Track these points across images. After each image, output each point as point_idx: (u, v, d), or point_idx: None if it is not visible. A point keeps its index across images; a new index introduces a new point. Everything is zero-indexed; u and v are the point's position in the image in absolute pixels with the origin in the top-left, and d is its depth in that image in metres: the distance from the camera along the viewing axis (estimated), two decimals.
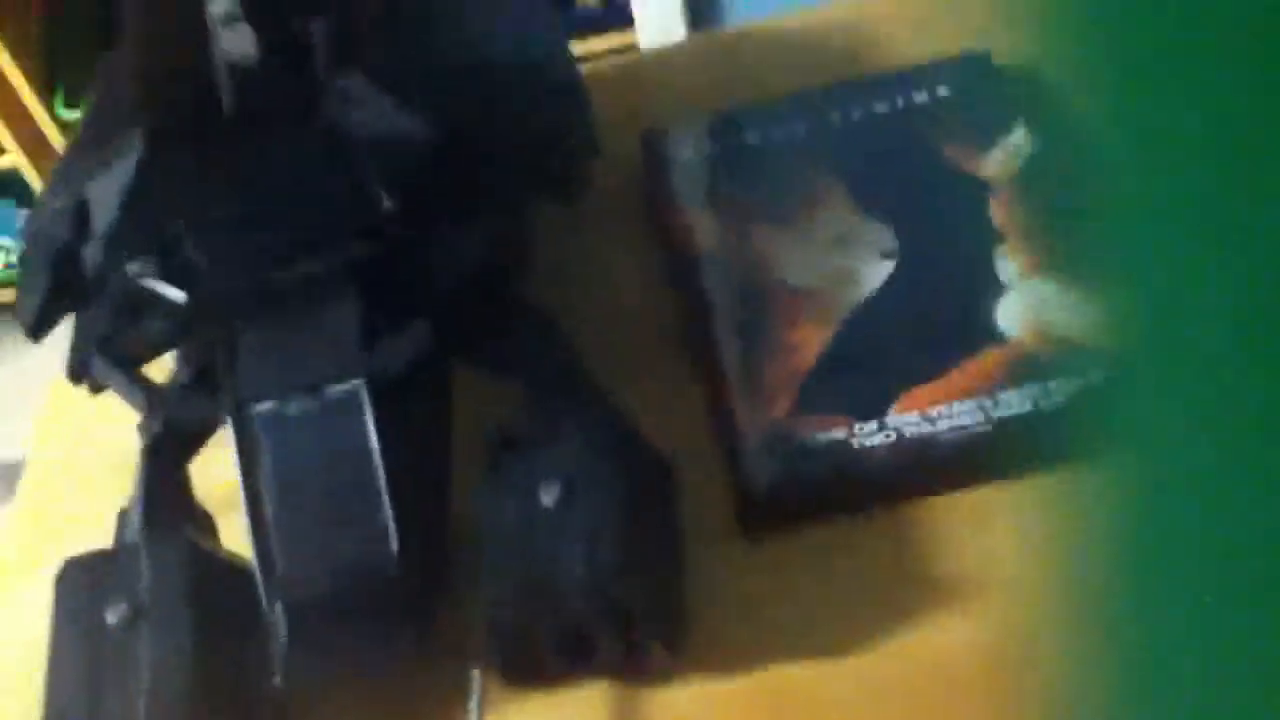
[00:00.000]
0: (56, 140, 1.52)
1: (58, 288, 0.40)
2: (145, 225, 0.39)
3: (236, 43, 0.38)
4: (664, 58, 0.60)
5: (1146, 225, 0.17)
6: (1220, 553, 0.17)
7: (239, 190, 0.39)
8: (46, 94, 1.48)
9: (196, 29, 0.40)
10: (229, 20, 0.38)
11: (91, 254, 0.40)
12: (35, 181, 1.56)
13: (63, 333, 0.44)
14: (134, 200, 0.39)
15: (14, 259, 1.71)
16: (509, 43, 0.43)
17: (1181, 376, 0.17)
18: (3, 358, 1.73)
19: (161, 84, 0.42)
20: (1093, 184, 0.18)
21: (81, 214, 0.40)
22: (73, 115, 1.49)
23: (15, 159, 1.53)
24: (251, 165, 0.39)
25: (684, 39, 1.12)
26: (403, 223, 0.38)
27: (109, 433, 0.49)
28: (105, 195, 0.40)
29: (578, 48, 1.31)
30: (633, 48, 1.30)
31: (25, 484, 0.50)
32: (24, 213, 1.71)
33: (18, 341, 1.74)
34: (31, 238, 0.42)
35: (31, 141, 1.52)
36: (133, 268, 0.39)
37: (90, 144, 0.42)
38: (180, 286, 0.38)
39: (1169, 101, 0.15)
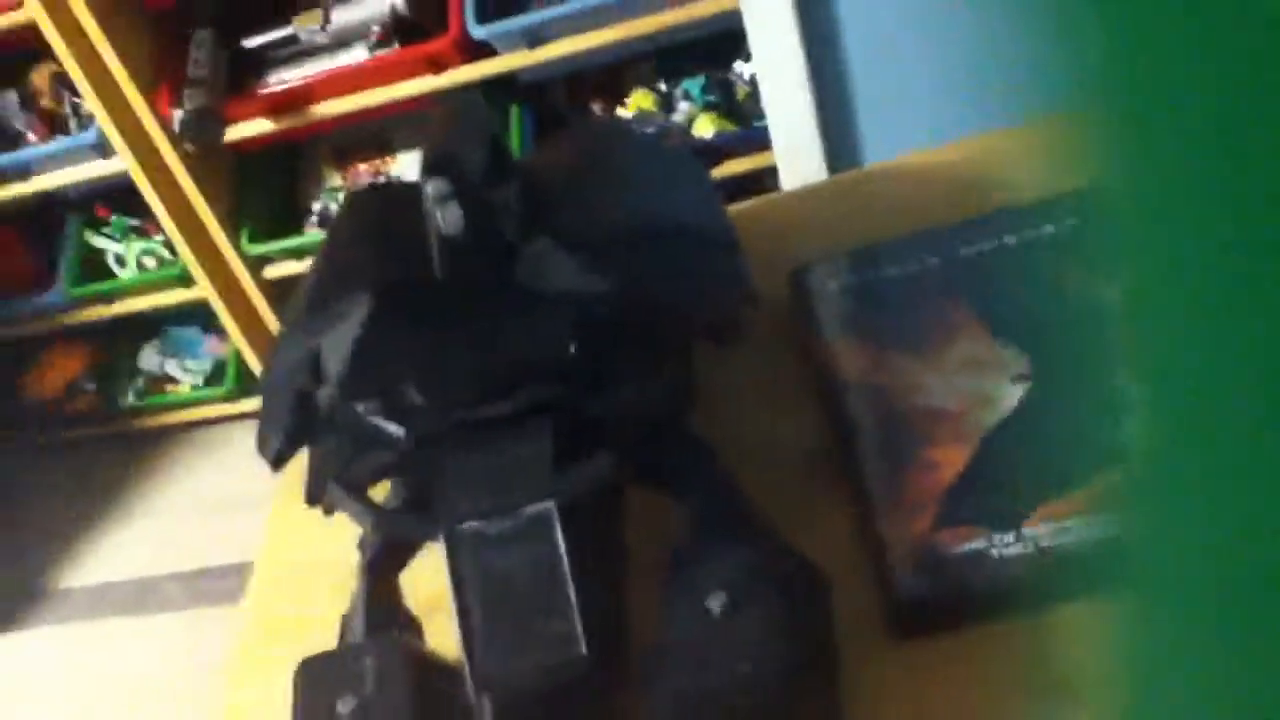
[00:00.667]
0: (241, 274, 1.67)
1: (298, 426, 0.47)
2: (371, 372, 0.46)
3: (448, 218, 0.45)
4: (806, 197, 0.65)
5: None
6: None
7: (448, 341, 0.46)
8: (233, 232, 1.63)
9: (411, 207, 0.48)
10: (441, 200, 0.45)
11: (326, 396, 0.47)
12: (221, 311, 1.71)
13: (240, 456, 0.50)
14: (362, 349, 0.46)
15: (200, 380, 1.86)
16: (674, 208, 0.50)
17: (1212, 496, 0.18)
18: (186, 471, 1.88)
19: (383, 252, 0.50)
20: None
21: (316, 363, 0.48)
22: (257, 250, 1.63)
23: (205, 290, 1.69)
24: (459, 321, 0.46)
25: (824, 179, 1.18)
26: (587, 367, 0.44)
27: (325, 547, 0.56)
28: (338, 346, 0.47)
29: (718, 171, 1.39)
30: (770, 170, 1.36)
31: (252, 594, 0.57)
32: (208, 338, 1.87)
33: (206, 452, 1.88)
34: (271, 383, 0.50)
35: (219, 275, 1.67)
36: (361, 408, 0.46)
37: (318, 303, 0.49)
38: (400, 424, 0.45)
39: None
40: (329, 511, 0.46)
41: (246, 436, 1.87)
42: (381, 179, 1.62)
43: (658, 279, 0.46)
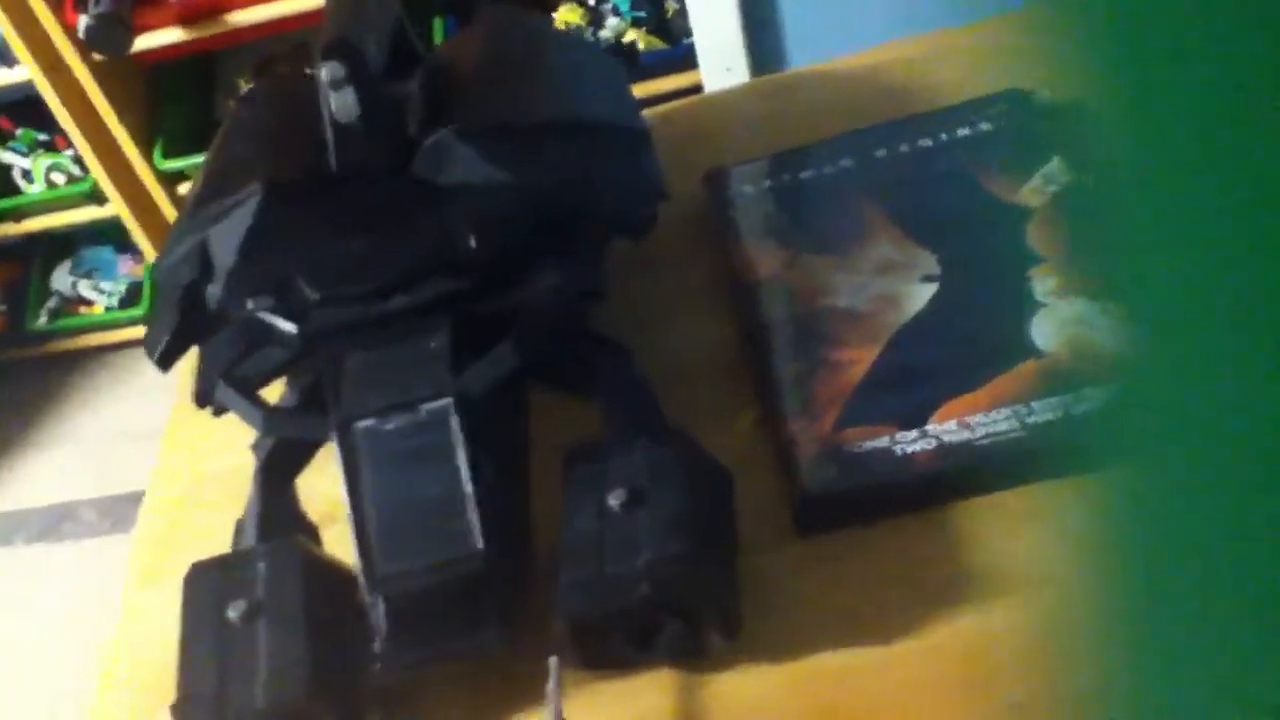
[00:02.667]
0: (156, 191, 1.61)
1: (184, 323, 0.45)
2: (262, 266, 0.44)
3: (343, 105, 0.43)
4: (726, 100, 0.64)
5: (1157, 238, 0.17)
6: (1224, 559, 0.18)
7: (343, 235, 0.44)
8: (147, 147, 1.57)
9: (308, 97, 0.45)
10: (336, 85, 0.43)
11: (215, 291, 0.45)
12: (135, 230, 1.65)
13: (159, 380, 0.49)
14: (253, 244, 0.44)
15: (115, 302, 1.80)
16: (585, 101, 0.48)
17: (1189, 387, 0.18)
18: (103, 396, 1.83)
19: (276, 144, 0.48)
20: (1110, 200, 0.19)
21: (205, 256, 0.46)
22: (171, 166, 1.57)
23: (117, 208, 1.63)
24: (355, 214, 0.44)
25: (745, 82, 1.16)
26: (488, 261, 0.42)
27: (223, 460, 0.54)
28: (227, 238, 0.45)
29: (645, 89, 1.36)
30: (697, 88, 1.34)
31: (149, 503, 0.55)
32: (124, 258, 1.81)
33: (120, 376, 1.83)
34: (160, 277, 0.48)
35: (132, 192, 1.61)
36: (251, 304, 0.44)
37: (210, 197, 0.47)
38: (293, 320, 0.43)
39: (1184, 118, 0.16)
40: (219, 412, 0.45)
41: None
42: None
43: (566, 172, 0.45)
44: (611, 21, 1.42)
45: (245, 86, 1.61)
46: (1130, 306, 0.19)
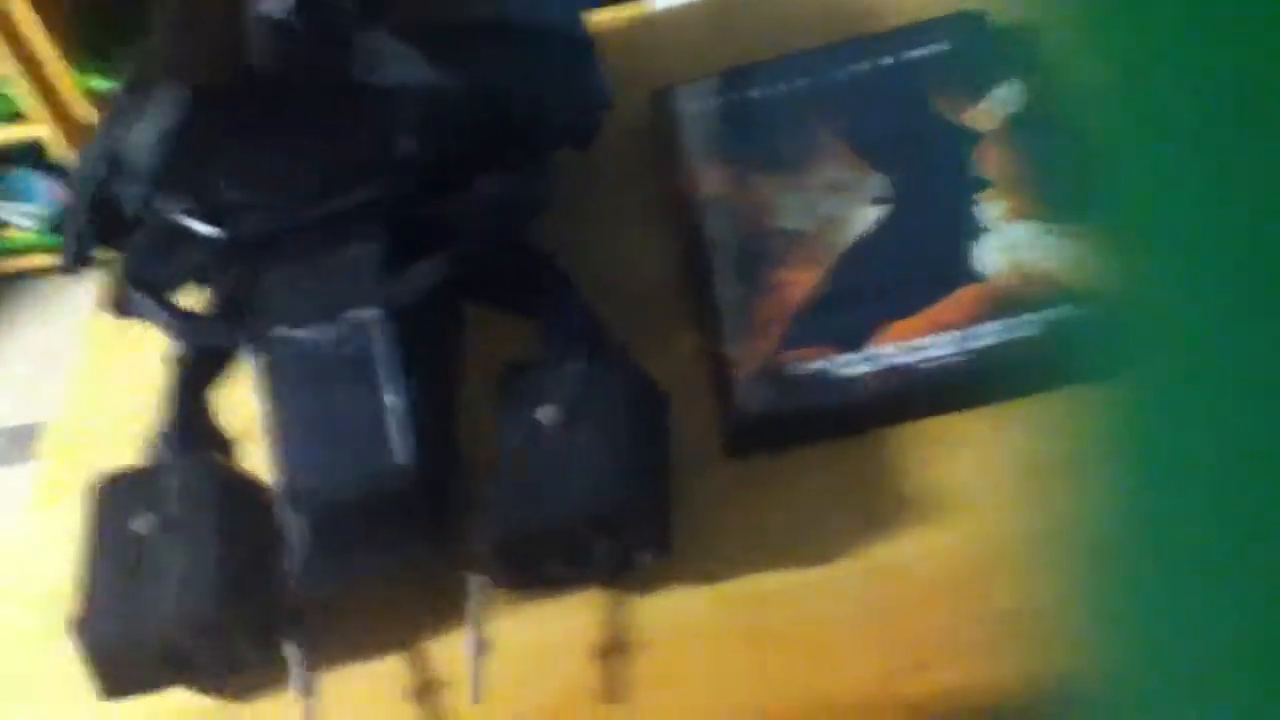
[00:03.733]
0: (83, 111, 1.55)
1: (94, 222, 0.43)
2: (182, 168, 0.42)
3: (273, 1, 0.41)
4: (674, 17, 0.62)
5: (1140, 168, 0.17)
6: (1216, 480, 0.17)
7: (271, 137, 0.42)
8: (74, 65, 1.51)
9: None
10: None
11: (130, 192, 0.42)
12: (60, 151, 1.59)
13: (84, 308, 0.46)
14: (172, 143, 0.42)
15: (41, 226, 1.74)
16: (527, 5, 0.46)
17: (1178, 312, 0.17)
18: (27, 322, 1.77)
19: (200, 43, 0.45)
20: (1083, 130, 0.19)
21: (119, 156, 0.43)
22: (100, 86, 1.51)
23: (41, 129, 1.56)
24: (284, 115, 0.42)
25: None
26: (424, 167, 0.40)
27: (142, 368, 0.52)
28: (144, 138, 0.42)
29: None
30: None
31: (55, 426, 0.53)
32: (49, 182, 1.74)
33: (50, 302, 1.78)
34: (75, 179, 0.45)
35: (58, 112, 1.55)
36: (169, 206, 0.41)
37: (133, 93, 0.44)
38: (215, 224, 0.40)
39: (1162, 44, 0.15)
40: (122, 312, 0.42)
41: (92, 287, 1.77)
42: None
43: (507, 76, 0.43)
44: None
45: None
46: (1113, 224, 0.19)
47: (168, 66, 0.45)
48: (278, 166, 0.42)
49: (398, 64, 0.42)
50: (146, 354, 0.47)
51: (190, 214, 0.42)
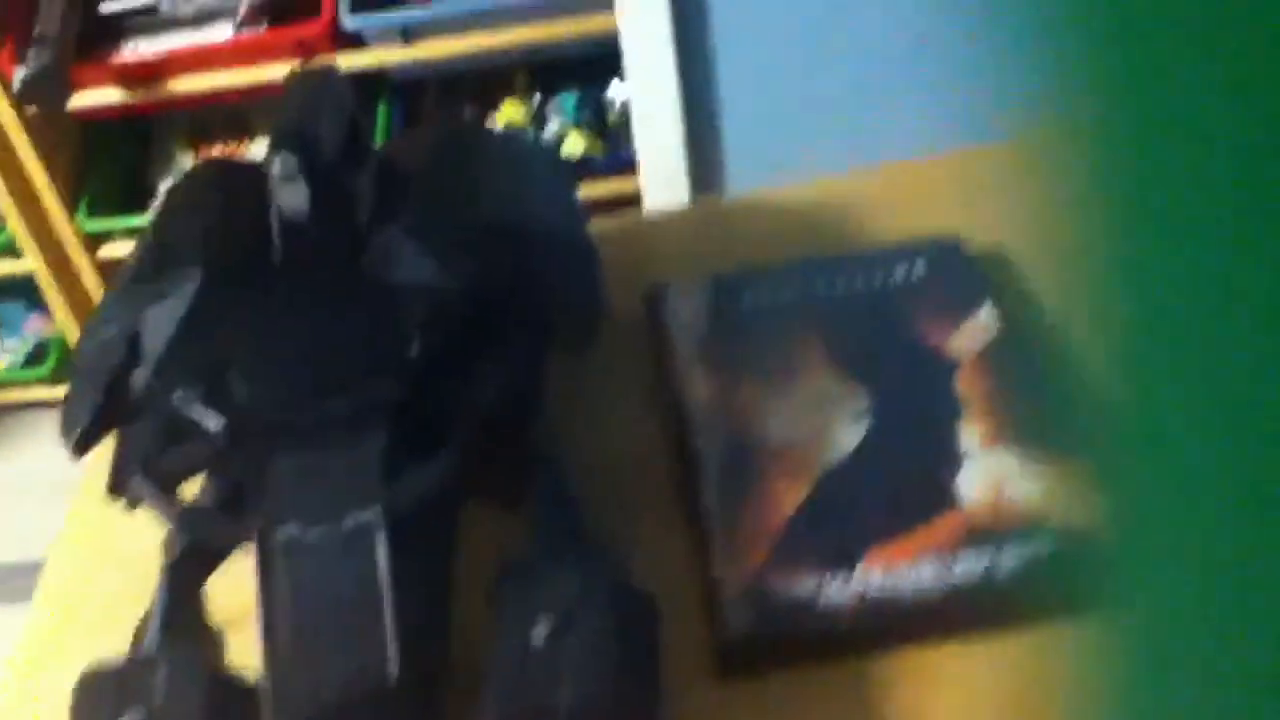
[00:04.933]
0: (75, 250, 1.57)
1: (107, 407, 0.44)
2: (193, 356, 0.43)
3: (291, 198, 0.43)
4: (668, 221, 0.65)
5: (1130, 402, 0.17)
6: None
7: (282, 330, 0.43)
8: (71, 205, 1.54)
9: (256, 184, 0.45)
10: (287, 177, 0.43)
11: (140, 378, 0.44)
12: (49, 288, 1.60)
13: (54, 443, 0.47)
14: (185, 331, 0.43)
15: (19, 359, 1.74)
16: (532, 208, 0.48)
17: (1163, 549, 0.17)
18: (9, 457, 1.75)
19: (219, 229, 0.47)
20: (1060, 358, 0.19)
21: (134, 340, 0.44)
22: (94, 226, 1.54)
23: (33, 264, 1.58)
24: (295, 308, 0.43)
25: (686, 204, 1.18)
26: (429, 367, 0.42)
27: (129, 544, 0.52)
28: (159, 324, 0.44)
29: (585, 190, 1.38)
30: (636, 195, 1.36)
31: (45, 587, 0.53)
32: (32, 315, 1.75)
33: (16, 438, 1.76)
34: (83, 359, 0.46)
35: (51, 249, 1.57)
36: (177, 394, 0.42)
37: (145, 277, 0.46)
38: (219, 415, 0.42)
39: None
40: (133, 505, 0.43)
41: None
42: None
43: (511, 279, 0.45)
44: (554, 122, 1.45)
45: (180, 154, 1.60)
46: (1098, 458, 0.19)
47: (186, 249, 0.47)
48: (286, 361, 0.43)
49: (409, 262, 0.44)
50: (140, 522, 0.48)
51: (197, 404, 0.43)
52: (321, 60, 1.36)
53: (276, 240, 0.44)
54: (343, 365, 0.42)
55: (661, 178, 1.26)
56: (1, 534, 1.64)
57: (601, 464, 0.49)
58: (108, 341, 0.45)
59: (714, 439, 0.48)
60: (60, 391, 1.71)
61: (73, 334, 1.66)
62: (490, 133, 0.53)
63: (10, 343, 1.75)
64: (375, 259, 0.44)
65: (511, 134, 0.58)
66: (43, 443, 1.75)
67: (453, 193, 0.47)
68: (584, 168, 1.39)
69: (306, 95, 0.49)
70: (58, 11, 1.38)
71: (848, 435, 0.46)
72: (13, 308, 1.76)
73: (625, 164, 1.36)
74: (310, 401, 0.42)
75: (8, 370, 1.73)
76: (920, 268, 0.53)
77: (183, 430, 0.43)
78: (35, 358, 1.74)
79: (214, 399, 0.42)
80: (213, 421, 0.42)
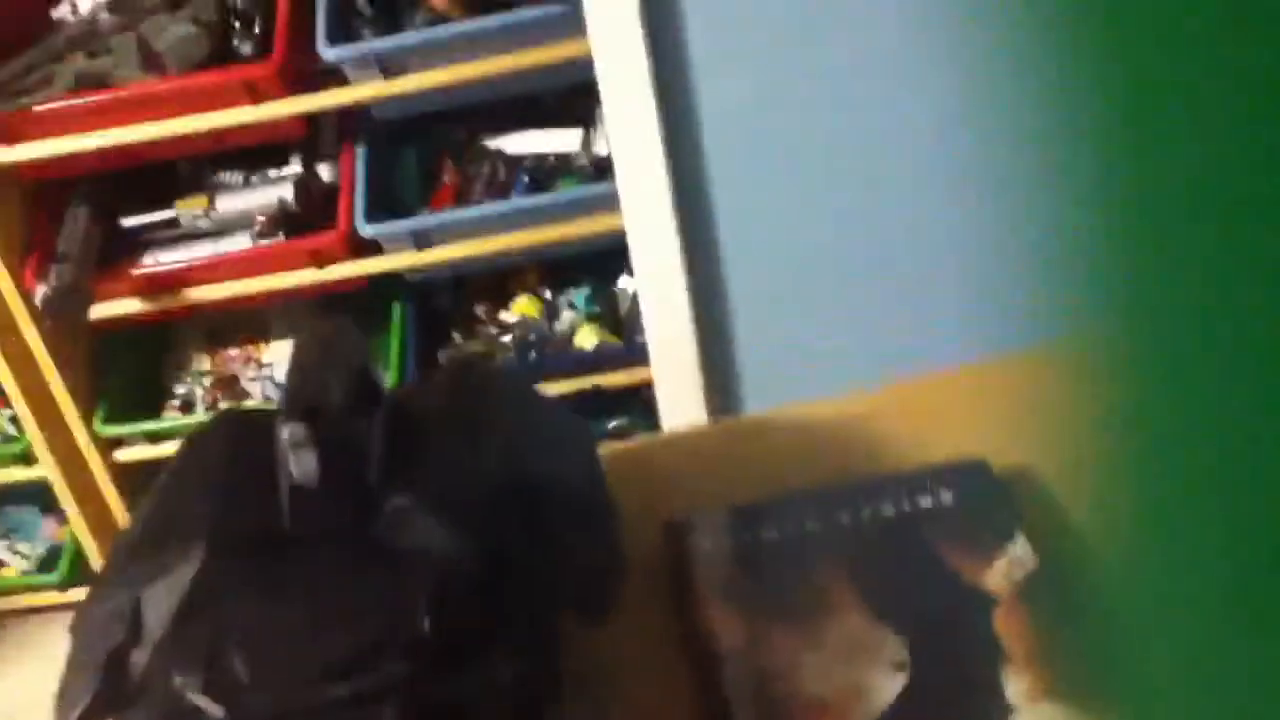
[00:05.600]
0: (91, 455, 1.57)
1: (106, 689, 0.42)
2: (194, 635, 0.41)
3: (302, 466, 0.42)
4: (684, 442, 0.64)
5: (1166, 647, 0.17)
6: None
7: (287, 605, 0.42)
8: (87, 409, 1.54)
9: (268, 441, 0.44)
10: (297, 446, 0.42)
11: (140, 658, 0.42)
12: (63, 493, 1.60)
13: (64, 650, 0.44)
14: (187, 609, 0.41)
15: (32, 565, 1.72)
16: (550, 465, 0.47)
17: None
18: (8, 666, 1.71)
19: (226, 497, 0.46)
20: (1098, 596, 0.19)
21: (135, 618, 0.43)
22: (111, 431, 1.54)
23: (47, 470, 1.58)
24: (301, 580, 0.42)
25: (702, 425, 1.18)
26: (441, 643, 0.40)
27: None
28: (159, 602, 0.42)
29: (597, 380, 1.38)
30: (647, 383, 1.36)
31: None
32: (46, 520, 1.74)
33: (25, 646, 1.72)
34: (83, 634, 0.44)
35: (65, 454, 1.57)
36: (178, 680, 0.41)
37: (148, 548, 0.45)
38: (221, 703, 0.40)
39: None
40: None
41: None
42: (252, 367, 1.57)
43: (526, 546, 0.43)
44: (566, 315, 1.46)
45: (196, 357, 1.61)
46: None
47: (191, 521, 0.45)
48: (291, 640, 0.41)
49: (420, 531, 0.42)
50: None
51: (198, 689, 0.41)
52: (350, 268, 1.38)
53: (286, 509, 0.43)
54: (350, 643, 0.41)
55: (674, 371, 1.27)
56: None
57: (628, 708, 0.47)
58: (108, 616, 0.43)
59: (745, 689, 0.45)
60: (70, 597, 1.69)
61: (86, 539, 1.64)
62: (504, 379, 0.53)
63: (23, 547, 1.73)
64: (386, 526, 0.43)
65: (524, 382, 0.57)
66: (53, 649, 1.71)
67: (466, 448, 0.47)
68: (599, 358, 1.39)
69: (318, 352, 0.48)
70: (80, 228, 1.42)
71: (886, 688, 0.44)
72: (28, 512, 1.75)
73: (638, 355, 1.37)
74: (316, 684, 0.40)
75: (21, 575, 1.71)
76: (947, 495, 0.52)
77: (183, 716, 0.41)
78: (48, 563, 1.72)
79: (214, 685, 0.40)
80: (215, 711, 0.40)
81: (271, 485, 0.44)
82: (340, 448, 0.44)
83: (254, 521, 0.44)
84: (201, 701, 0.40)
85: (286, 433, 0.43)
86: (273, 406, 0.52)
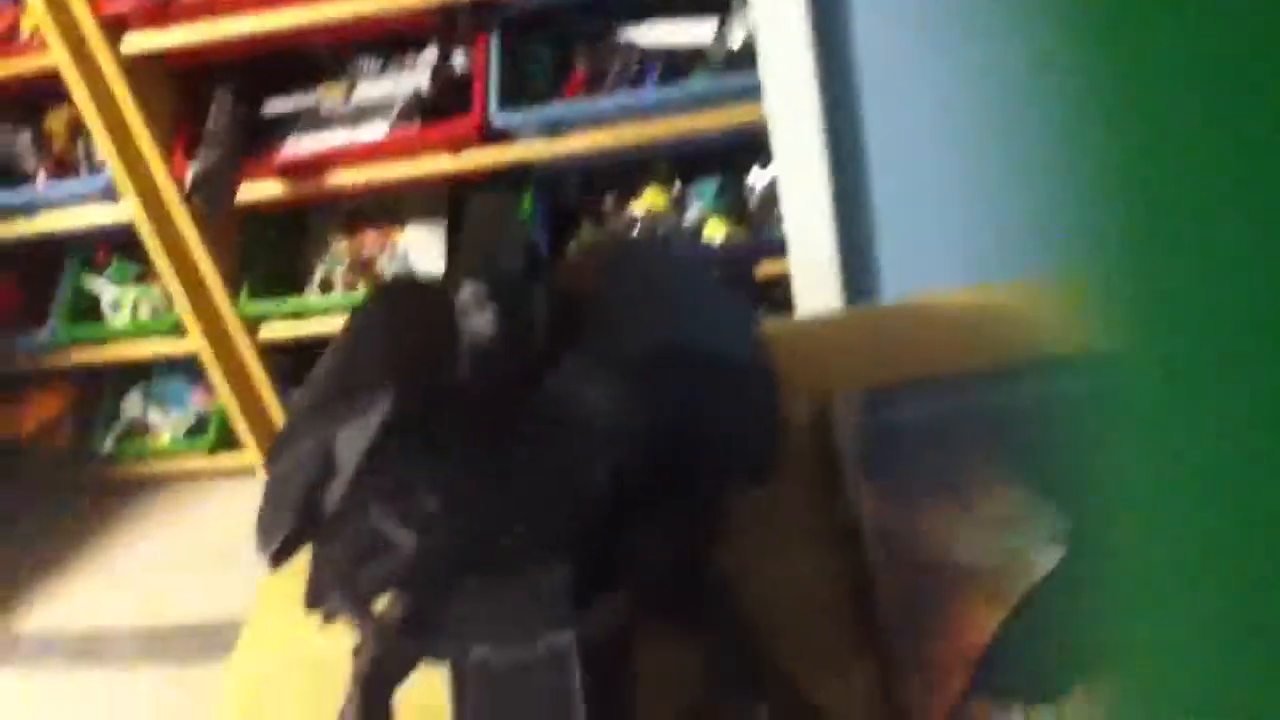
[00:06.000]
0: (235, 330, 1.65)
1: (302, 522, 0.45)
2: (386, 473, 0.44)
3: (482, 324, 0.44)
4: (829, 325, 0.65)
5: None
6: None
7: (469, 454, 0.44)
8: (233, 287, 1.62)
9: (437, 307, 0.47)
10: (477, 304, 0.44)
11: (334, 493, 0.45)
12: (211, 365, 1.69)
13: (213, 514, 0.48)
14: (379, 449, 0.44)
15: (181, 432, 1.83)
16: (712, 334, 0.48)
17: None
18: (159, 528, 1.83)
19: (407, 351, 0.49)
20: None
21: (329, 456, 0.46)
22: (254, 309, 1.62)
23: (197, 343, 1.67)
24: (482, 433, 0.44)
25: (848, 309, 1.17)
26: (612, 501, 0.42)
27: (312, 644, 0.54)
28: (353, 441, 0.45)
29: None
30: (780, 278, 1.36)
31: (232, 686, 0.54)
32: (195, 389, 1.84)
33: (179, 508, 1.84)
34: (278, 472, 0.48)
35: (213, 329, 1.66)
36: (372, 511, 0.44)
37: (337, 394, 0.48)
38: (414, 533, 0.43)
39: None
40: (329, 619, 0.44)
41: (221, 495, 1.83)
42: (388, 250, 1.62)
43: (694, 413, 0.45)
44: (694, 208, 1.46)
45: (334, 241, 1.67)
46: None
47: (375, 371, 0.48)
48: (475, 485, 0.44)
49: (592, 400, 0.44)
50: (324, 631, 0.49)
51: (392, 521, 0.44)
52: (469, 156, 1.41)
53: (467, 364, 0.45)
54: (529, 494, 0.43)
55: (812, 264, 1.26)
56: (164, 599, 1.71)
57: (776, 583, 0.49)
58: (304, 456, 0.47)
59: (893, 560, 0.47)
60: (217, 463, 1.79)
61: (232, 408, 1.74)
62: (663, 252, 0.54)
63: (174, 414, 1.84)
64: (557, 393, 0.45)
65: (682, 253, 0.58)
66: (203, 512, 1.83)
67: (631, 320, 0.48)
68: (741, 256, 1.40)
69: (488, 223, 0.50)
70: (225, 115, 1.47)
71: (1044, 559, 0.45)
72: (177, 382, 1.86)
73: (766, 249, 1.37)
74: (499, 527, 0.43)
75: (172, 441, 1.82)
76: (1103, 376, 0.51)
77: (375, 546, 0.44)
78: (197, 430, 1.82)
79: (407, 517, 0.43)
80: (406, 539, 0.43)
81: (446, 344, 0.46)
82: (515, 311, 0.46)
83: (435, 373, 0.46)
84: (395, 531, 0.43)
85: (466, 292, 0.45)
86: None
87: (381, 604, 0.46)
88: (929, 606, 0.44)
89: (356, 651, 0.46)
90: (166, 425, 1.84)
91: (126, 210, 1.56)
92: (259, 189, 1.53)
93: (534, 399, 0.45)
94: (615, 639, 0.40)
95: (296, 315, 1.62)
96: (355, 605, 0.43)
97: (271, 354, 1.67)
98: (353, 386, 0.48)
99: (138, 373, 1.86)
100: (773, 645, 0.42)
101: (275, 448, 0.49)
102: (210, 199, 1.44)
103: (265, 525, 0.47)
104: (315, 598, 0.45)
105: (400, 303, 0.54)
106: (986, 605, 0.44)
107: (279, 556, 0.46)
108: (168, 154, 1.50)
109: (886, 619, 0.44)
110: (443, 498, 0.43)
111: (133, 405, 1.86)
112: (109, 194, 1.57)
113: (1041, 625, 0.42)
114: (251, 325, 1.65)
